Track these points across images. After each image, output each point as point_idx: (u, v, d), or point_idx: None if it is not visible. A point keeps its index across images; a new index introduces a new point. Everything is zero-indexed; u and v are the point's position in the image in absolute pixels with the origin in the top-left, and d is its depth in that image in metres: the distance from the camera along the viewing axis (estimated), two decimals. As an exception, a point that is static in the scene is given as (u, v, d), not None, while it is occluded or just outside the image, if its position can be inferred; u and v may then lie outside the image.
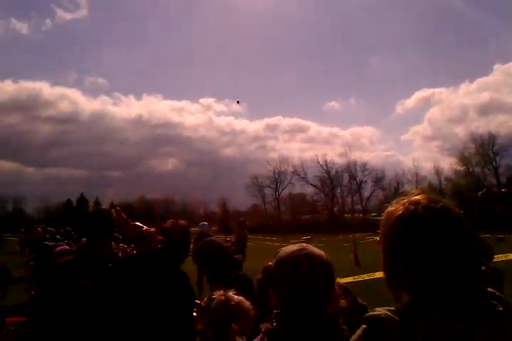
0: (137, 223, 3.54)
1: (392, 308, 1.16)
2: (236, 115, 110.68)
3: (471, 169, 55.68)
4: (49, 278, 3.09)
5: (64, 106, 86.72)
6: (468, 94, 79.66)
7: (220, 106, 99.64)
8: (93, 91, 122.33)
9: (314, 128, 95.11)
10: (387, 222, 1.25)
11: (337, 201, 65.68)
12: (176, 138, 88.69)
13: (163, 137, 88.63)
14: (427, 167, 62.36)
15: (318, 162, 64.12)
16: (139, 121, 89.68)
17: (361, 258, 16.49)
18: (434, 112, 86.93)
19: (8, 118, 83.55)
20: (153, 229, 3.61)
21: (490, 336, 1.09)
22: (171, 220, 3.53)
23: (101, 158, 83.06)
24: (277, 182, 67.18)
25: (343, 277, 9.06)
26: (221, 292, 2.49)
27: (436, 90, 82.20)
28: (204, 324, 2.44)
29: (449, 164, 58.02)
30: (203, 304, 2.70)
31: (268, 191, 68.37)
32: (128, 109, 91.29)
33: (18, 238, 27.77)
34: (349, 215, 62.43)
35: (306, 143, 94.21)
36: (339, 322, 1.55)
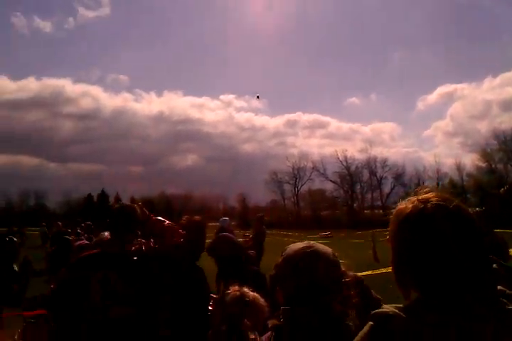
0: (159, 217, 3.57)
1: (400, 305, 1.17)
2: (256, 111, 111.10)
3: (493, 165, 54.61)
4: (73, 271, 3.14)
5: (86, 103, 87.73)
6: (492, 89, 78.21)
7: (240, 103, 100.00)
8: (115, 88, 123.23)
9: (334, 124, 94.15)
10: (396, 219, 1.25)
11: (356, 197, 65.11)
12: (196, 134, 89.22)
13: (183, 133, 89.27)
14: (448, 163, 61.35)
15: (338, 158, 63.54)
16: (159, 118, 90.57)
17: (380, 254, 16.35)
18: (456, 108, 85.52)
19: (31, 115, 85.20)
20: (174, 224, 3.64)
21: (499, 334, 1.08)
22: (186, 216, 3.56)
23: (122, 153, 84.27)
24: (296, 178, 66.92)
25: (361, 271, 9.02)
26: (236, 287, 2.51)
27: (459, 86, 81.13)
28: (218, 318, 2.47)
29: (471, 160, 56.97)
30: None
31: (287, 187, 68.19)
32: (149, 105, 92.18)
33: (39, 232, 28.23)
34: (369, 211, 61.92)
35: (326, 139, 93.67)
36: (345, 318, 1.56)
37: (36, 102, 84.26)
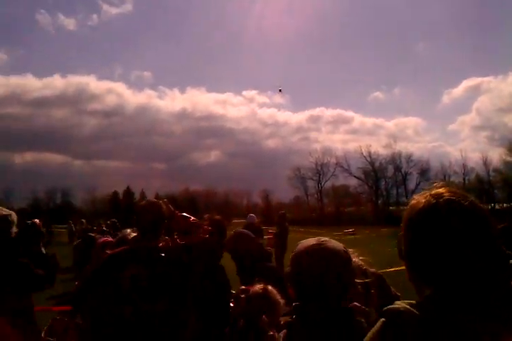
0: (184, 214, 3.59)
1: (413, 302, 1.16)
2: (279, 107, 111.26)
3: (521, 160, 53.44)
4: (102, 269, 3.19)
5: (110, 100, 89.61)
6: (519, 82, 76.32)
7: (262, 98, 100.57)
8: (138, 85, 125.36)
9: (358, 119, 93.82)
10: (409, 214, 1.25)
11: (381, 193, 64.48)
12: (218, 130, 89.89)
13: (206, 129, 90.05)
14: (474, 158, 60.23)
15: (362, 153, 62.95)
16: (183, 114, 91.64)
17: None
18: (482, 101, 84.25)
19: (56, 112, 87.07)
20: (200, 220, 3.67)
21: None
22: (207, 215, 3.59)
23: (146, 150, 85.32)
24: (320, 174, 66.56)
25: (384, 268, 8.93)
26: (261, 285, 2.53)
27: (485, 79, 79.46)
28: (236, 313, 2.49)
29: (498, 155, 55.82)
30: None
31: (311, 183, 67.90)
32: (172, 102, 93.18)
33: (66, 229, 28.79)
34: (394, 208, 61.23)
35: (350, 134, 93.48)
36: (355, 314, 1.55)
37: (61, 99, 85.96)
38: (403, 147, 64.82)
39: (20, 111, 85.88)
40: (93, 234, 10.02)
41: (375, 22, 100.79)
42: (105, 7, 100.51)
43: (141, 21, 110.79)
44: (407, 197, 62.46)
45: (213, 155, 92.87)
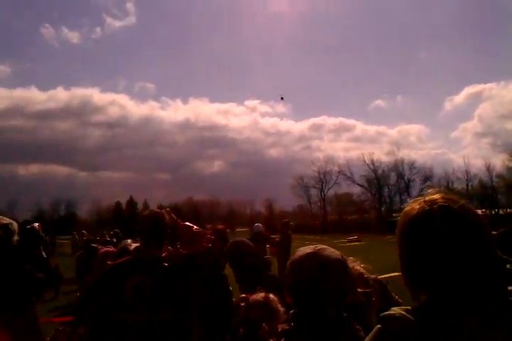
0: (187, 223, 3.60)
1: (409, 308, 1.16)
2: (281, 116, 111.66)
3: (524, 165, 53.29)
4: (105, 279, 3.19)
5: (113, 112, 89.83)
6: (521, 88, 76.37)
7: (264, 108, 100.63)
8: (141, 96, 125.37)
9: (360, 127, 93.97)
10: (403, 221, 1.25)
11: (384, 200, 64.31)
12: (221, 140, 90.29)
13: (209, 139, 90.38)
14: (477, 164, 60.34)
15: (365, 161, 62.84)
16: (186, 125, 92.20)
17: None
18: (484, 108, 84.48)
19: (60, 125, 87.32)
20: (203, 229, 3.67)
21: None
22: (210, 225, 3.59)
23: (149, 160, 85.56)
24: (323, 182, 66.51)
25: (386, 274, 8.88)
26: (262, 293, 2.52)
27: (487, 86, 79.67)
28: (237, 321, 2.48)
29: (501, 161, 55.79)
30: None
31: (313, 191, 67.82)
32: (175, 112, 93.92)
33: (69, 241, 28.76)
34: (397, 215, 60.81)
35: (352, 142, 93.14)
36: (353, 322, 1.55)
37: (65, 112, 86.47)
38: (406, 154, 64.90)
39: (24, 124, 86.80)
40: (96, 245, 10.01)
41: (376, 31, 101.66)
42: (109, 20, 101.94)
43: (144, 34, 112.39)
44: (410, 204, 62.19)
45: (216, 165, 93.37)
